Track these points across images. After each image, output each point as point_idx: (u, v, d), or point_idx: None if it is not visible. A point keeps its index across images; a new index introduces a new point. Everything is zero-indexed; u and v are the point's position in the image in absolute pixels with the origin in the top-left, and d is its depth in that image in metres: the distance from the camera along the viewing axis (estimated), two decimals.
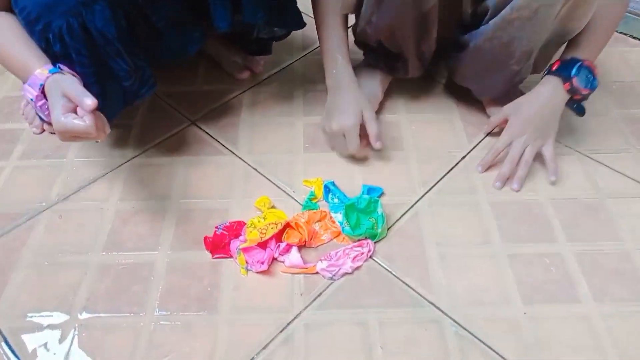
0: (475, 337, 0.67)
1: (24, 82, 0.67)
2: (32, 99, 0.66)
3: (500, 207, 0.82)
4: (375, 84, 0.97)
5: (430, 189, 0.85)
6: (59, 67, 0.67)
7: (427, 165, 0.89)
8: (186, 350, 0.66)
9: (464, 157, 0.90)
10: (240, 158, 0.90)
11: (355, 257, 0.74)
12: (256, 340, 0.67)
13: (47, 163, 0.90)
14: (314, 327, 0.68)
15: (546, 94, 0.83)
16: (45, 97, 0.65)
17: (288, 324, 0.68)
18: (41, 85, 0.65)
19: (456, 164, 0.89)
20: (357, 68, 0.96)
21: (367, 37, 0.91)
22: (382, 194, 0.83)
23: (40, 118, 0.84)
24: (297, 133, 0.94)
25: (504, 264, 0.74)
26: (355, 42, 0.97)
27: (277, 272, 0.74)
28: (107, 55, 0.71)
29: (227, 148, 0.92)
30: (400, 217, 0.81)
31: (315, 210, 0.80)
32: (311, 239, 0.77)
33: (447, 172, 0.87)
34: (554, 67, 0.83)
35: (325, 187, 0.83)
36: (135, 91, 0.79)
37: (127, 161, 0.90)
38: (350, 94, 0.85)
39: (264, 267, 0.73)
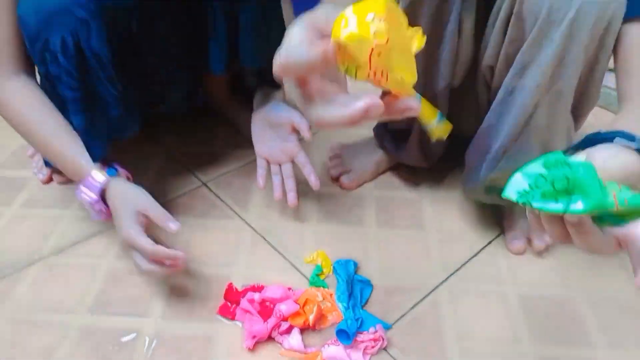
0: None
1: (75, 180, 0.71)
2: (89, 201, 0.69)
3: (529, 302, 0.73)
4: (369, 160, 0.93)
5: (452, 274, 0.77)
6: (116, 169, 0.71)
7: (449, 246, 0.82)
8: None
9: (490, 242, 0.83)
10: (248, 224, 0.85)
11: (366, 348, 0.66)
12: None
13: (47, 213, 0.86)
14: None
15: None
16: (104, 201, 0.69)
17: None
18: (100, 189, 0.68)
19: (482, 248, 0.82)
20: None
21: None
22: (357, 267, 0.76)
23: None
24: (311, 203, 0.89)
25: None
26: None
27: (266, 354, 0.66)
28: (98, 78, 0.67)
29: (234, 212, 0.87)
30: (417, 304, 0.73)
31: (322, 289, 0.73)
32: (317, 321, 0.69)
33: (473, 256, 0.80)
34: None
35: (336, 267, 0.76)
36: (122, 126, 0.75)
37: None
38: None
39: (248, 343, 0.65)
